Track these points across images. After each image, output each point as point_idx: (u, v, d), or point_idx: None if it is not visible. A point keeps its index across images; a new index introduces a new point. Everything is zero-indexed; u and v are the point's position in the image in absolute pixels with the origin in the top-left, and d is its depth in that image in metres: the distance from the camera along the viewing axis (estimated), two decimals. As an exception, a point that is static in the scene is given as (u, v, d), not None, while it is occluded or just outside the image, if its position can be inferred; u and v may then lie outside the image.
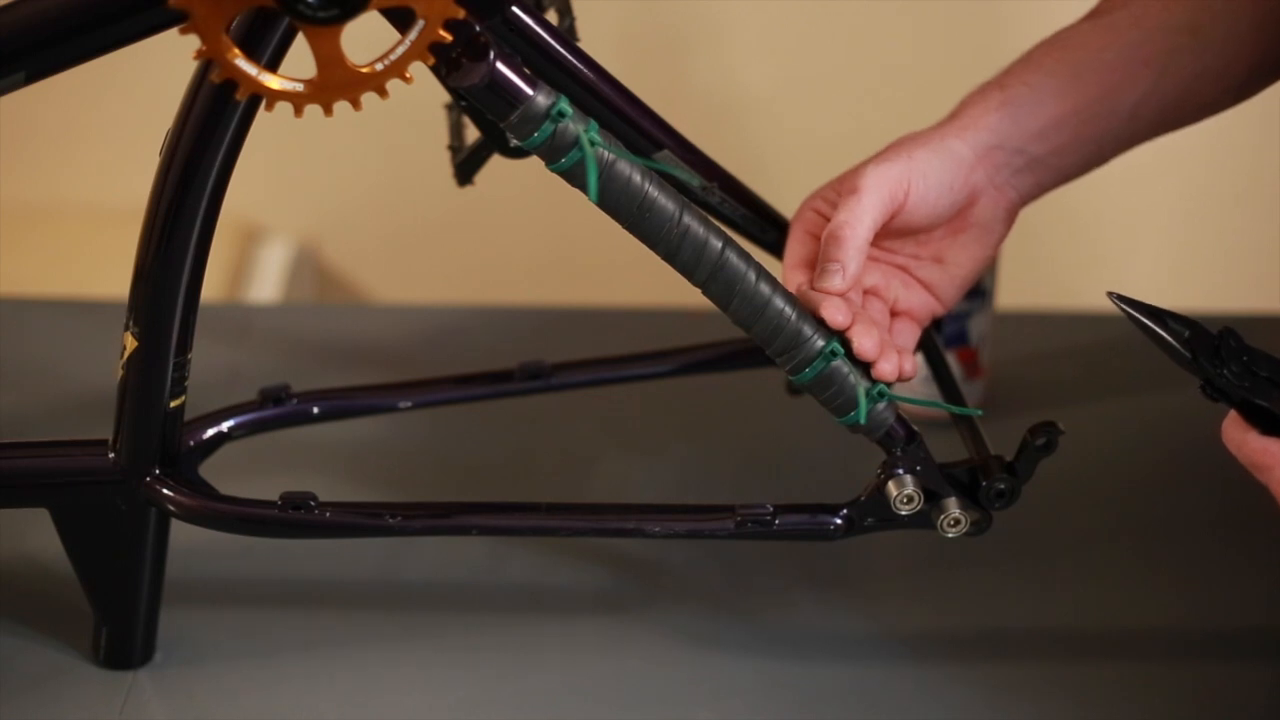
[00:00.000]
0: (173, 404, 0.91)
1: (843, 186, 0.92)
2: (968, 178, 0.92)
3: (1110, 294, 0.83)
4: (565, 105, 0.82)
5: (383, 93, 0.79)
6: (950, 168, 0.92)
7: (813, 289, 0.88)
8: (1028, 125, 0.92)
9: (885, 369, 0.87)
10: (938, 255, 0.95)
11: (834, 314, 0.86)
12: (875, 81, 1.95)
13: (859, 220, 0.89)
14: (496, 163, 1.00)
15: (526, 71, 0.82)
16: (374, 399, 1.04)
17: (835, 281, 0.88)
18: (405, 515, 0.93)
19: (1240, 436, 0.82)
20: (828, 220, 0.92)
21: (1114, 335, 1.27)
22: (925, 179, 0.91)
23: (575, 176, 0.83)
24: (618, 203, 0.84)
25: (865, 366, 0.88)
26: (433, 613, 1.02)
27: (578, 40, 0.93)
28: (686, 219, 0.84)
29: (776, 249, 1.01)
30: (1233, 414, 0.83)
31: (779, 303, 0.85)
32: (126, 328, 0.89)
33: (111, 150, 1.98)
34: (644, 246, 0.85)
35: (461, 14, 0.79)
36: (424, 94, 0.93)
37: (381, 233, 2.07)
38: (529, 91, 0.82)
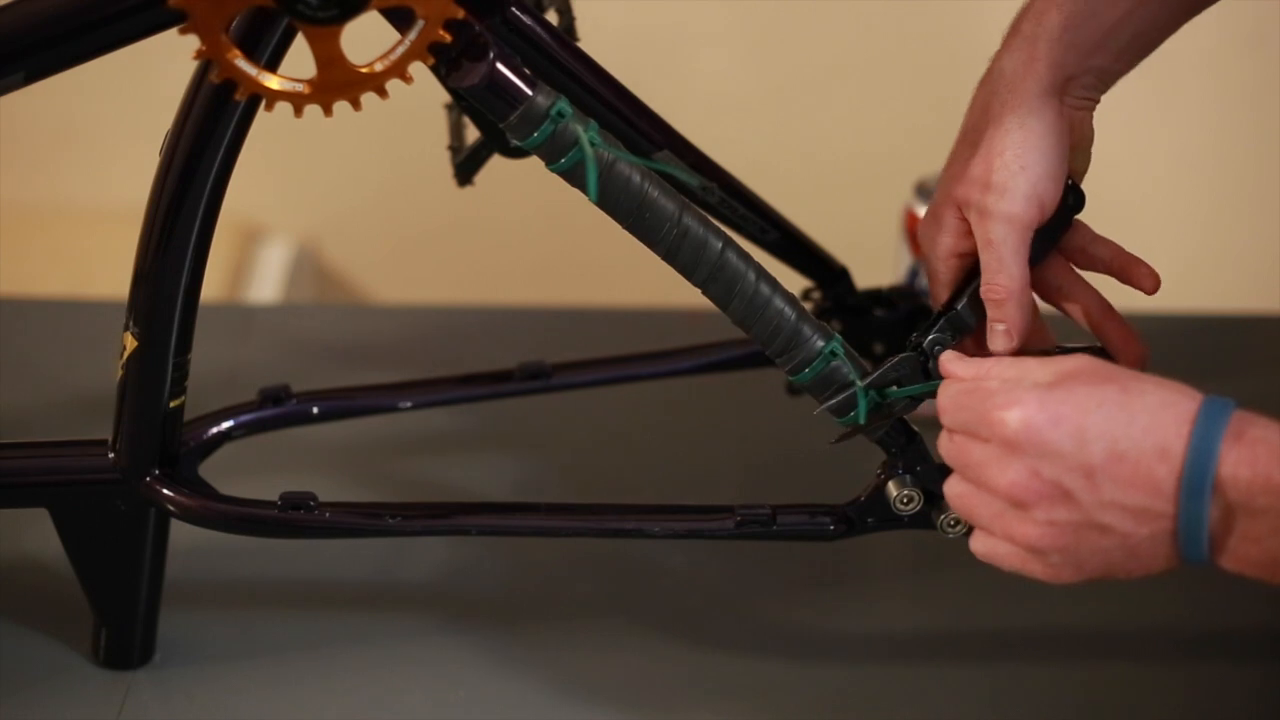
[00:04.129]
0: (172, 404, 0.91)
1: (974, 224, 0.88)
2: (1066, 135, 0.89)
3: None
4: (565, 105, 0.82)
5: (382, 93, 0.79)
6: (1057, 145, 0.88)
7: (993, 350, 0.88)
8: (1090, 41, 0.88)
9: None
10: None
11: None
12: (875, 81, 1.95)
13: (1010, 275, 0.87)
14: (496, 163, 1.00)
15: (526, 72, 0.82)
16: (374, 399, 1.04)
17: (1006, 344, 0.88)
18: (405, 515, 0.93)
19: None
20: (962, 253, 0.90)
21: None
22: (1048, 178, 0.88)
23: (575, 176, 0.83)
24: (618, 203, 0.84)
25: (865, 366, 0.88)
26: (433, 613, 1.02)
27: (578, 40, 0.93)
28: (686, 219, 0.84)
29: (776, 249, 1.01)
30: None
31: (778, 303, 0.85)
32: (126, 328, 0.89)
33: (111, 150, 1.98)
34: (644, 246, 0.85)
35: (461, 14, 0.79)
36: (424, 94, 0.93)
37: (381, 233, 2.07)
38: (529, 92, 0.82)
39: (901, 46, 1.94)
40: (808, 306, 0.90)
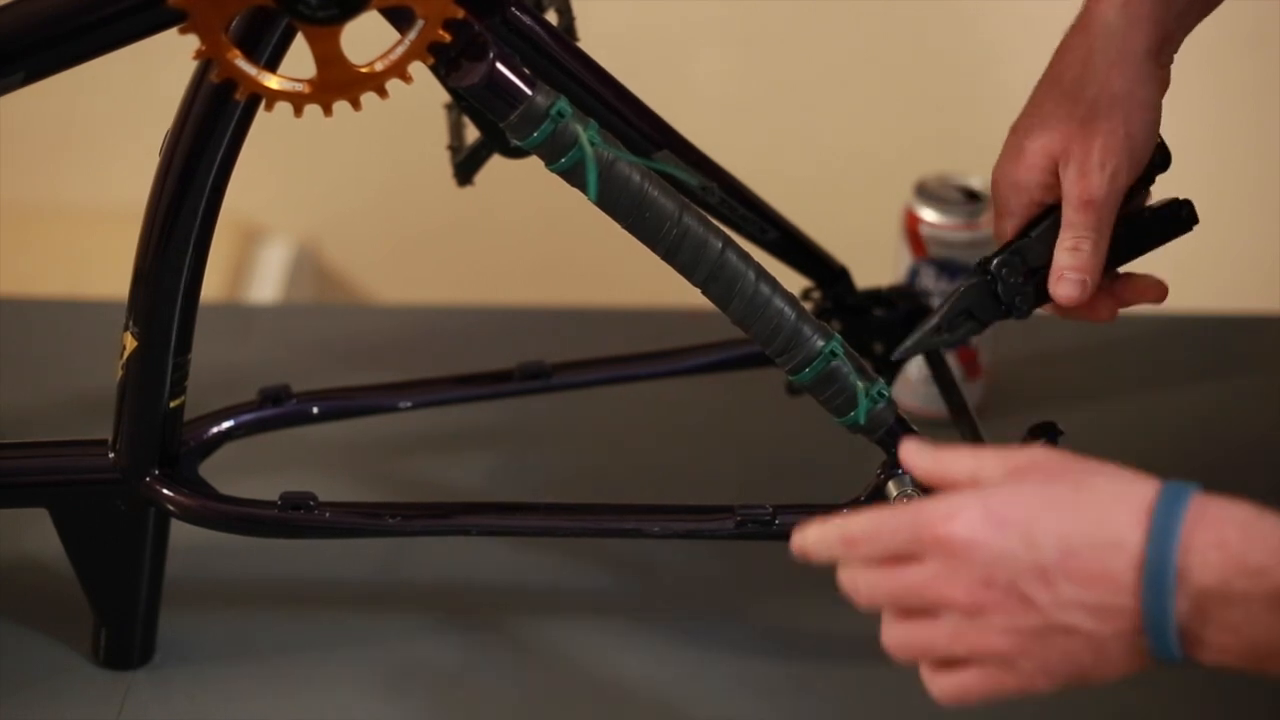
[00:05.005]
0: (172, 404, 0.91)
1: (1070, 179, 0.89)
2: (1161, 99, 0.90)
3: None
4: (565, 105, 0.82)
5: (382, 93, 0.79)
6: (1157, 110, 0.90)
7: (1054, 295, 0.89)
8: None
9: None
10: None
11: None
12: (875, 81, 1.95)
13: (1103, 235, 0.89)
14: (496, 163, 0.99)
15: (526, 71, 0.82)
16: (374, 399, 1.04)
17: (1080, 294, 0.89)
18: (405, 515, 0.93)
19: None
20: (1041, 201, 0.91)
21: (1114, 335, 1.27)
22: (1147, 144, 0.90)
23: (575, 176, 0.83)
24: (617, 203, 0.84)
25: (865, 366, 0.88)
26: (432, 613, 1.02)
27: (578, 40, 0.93)
28: (686, 219, 0.84)
29: (776, 249, 1.01)
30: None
31: (778, 303, 0.85)
32: (126, 328, 0.89)
33: (111, 150, 1.98)
34: (644, 246, 0.85)
35: (461, 14, 0.79)
36: (424, 94, 0.93)
37: (381, 233, 2.07)
38: (528, 91, 0.82)
39: (902, 47, 1.94)
40: (808, 306, 0.90)
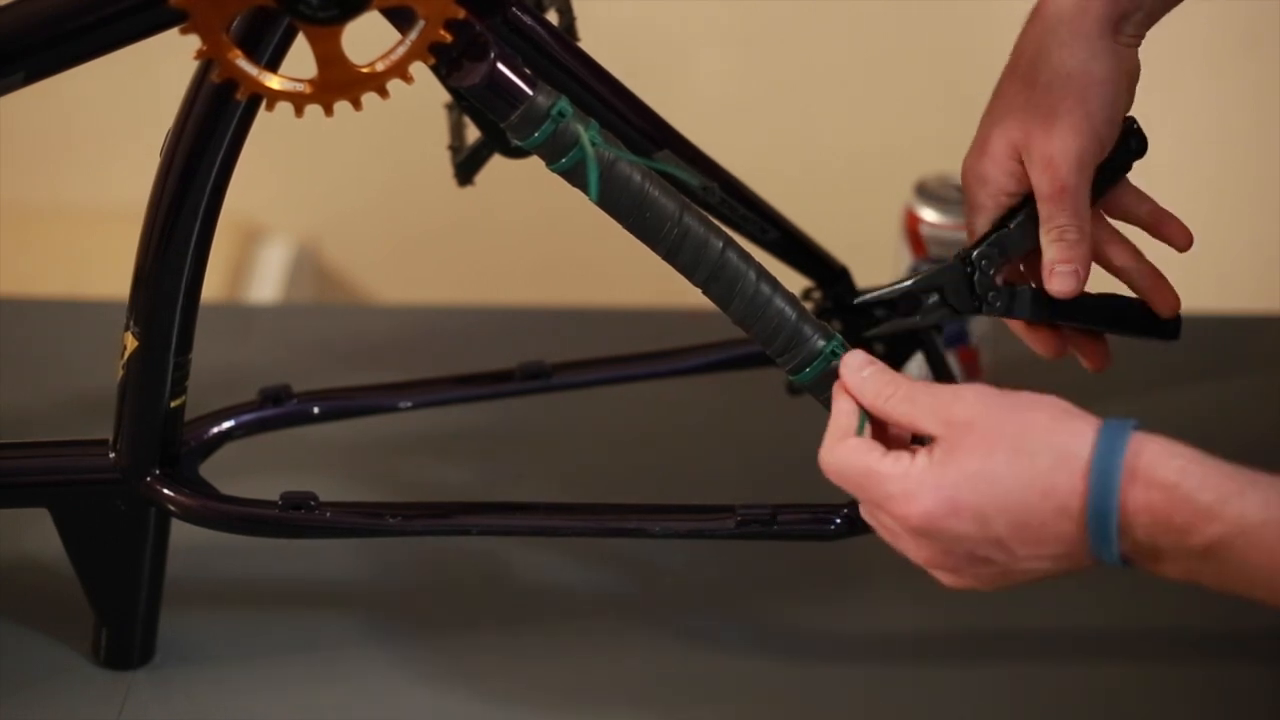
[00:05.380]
0: (173, 404, 0.91)
1: (1035, 168, 0.88)
2: (1123, 75, 0.89)
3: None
4: (565, 105, 0.82)
5: (383, 93, 0.79)
6: (1116, 86, 0.88)
7: (1052, 291, 0.89)
8: None
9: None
10: None
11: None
12: (875, 81, 1.95)
13: (1082, 218, 0.88)
14: (497, 163, 0.99)
15: (527, 71, 0.82)
16: (374, 399, 1.04)
17: (1075, 285, 0.88)
18: (405, 515, 0.93)
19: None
20: (1011, 193, 0.90)
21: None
22: (1107, 111, 0.88)
23: (576, 176, 0.83)
24: (618, 203, 0.84)
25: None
26: (433, 613, 1.02)
27: (578, 40, 0.93)
28: (687, 219, 0.84)
29: (776, 249, 1.01)
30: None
31: (779, 303, 0.85)
32: (126, 328, 0.89)
33: (111, 150, 1.98)
34: (644, 246, 0.85)
35: (462, 14, 0.79)
36: (424, 94, 0.93)
37: (382, 233, 2.07)
38: (529, 92, 0.82)
39: (901, 46, 1.94)
40: (808, 306, 0.90)
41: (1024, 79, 0.88)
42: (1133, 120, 0.90)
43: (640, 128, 0.92)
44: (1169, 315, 0.93)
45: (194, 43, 0.77)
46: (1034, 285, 0.91)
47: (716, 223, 0.86)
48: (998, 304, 0.91)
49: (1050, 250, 0.88)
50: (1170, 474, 0.73)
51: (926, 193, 1.18)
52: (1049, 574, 0.77)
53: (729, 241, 0.85)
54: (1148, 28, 0.89)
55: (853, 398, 0.82)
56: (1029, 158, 0.88)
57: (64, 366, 1.25)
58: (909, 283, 0.92)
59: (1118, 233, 0.92)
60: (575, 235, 1.97)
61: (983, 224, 0.91)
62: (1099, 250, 0.91)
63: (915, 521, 0.77)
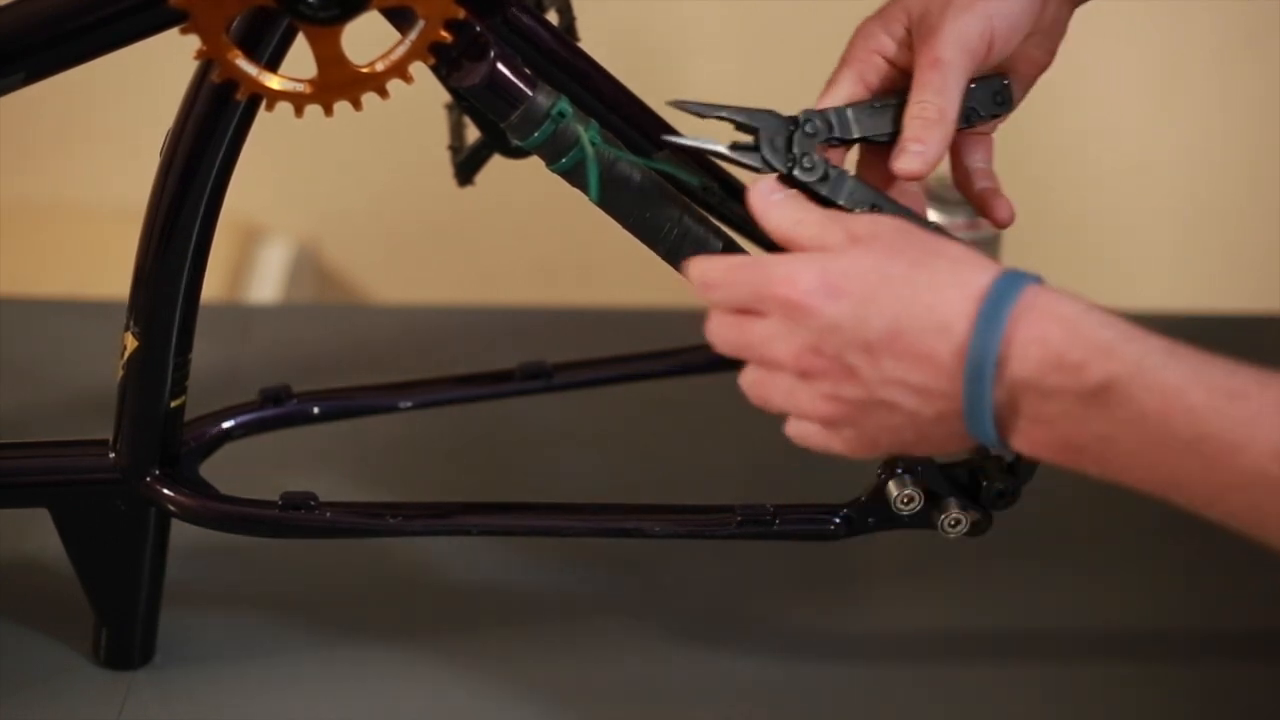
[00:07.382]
0: (173, 404, 0.91)
1: (919, 39, 0.85)
2: (1049, 14, 0.86)
3: (670, 102, 0.83)
4: (566, 105, 0.82)
5: (383, 93, 0.79)
6: (1032, 14, 0.85)
7: (895, 169, 0.84)
8: None
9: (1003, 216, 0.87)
10: (1000, 69, 0.88)
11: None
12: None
13: (949, 99, 0.83)
14: (497, 163, 0.99)
15: (527, 71, 0.82)
16: (374, 399, 1.04)
17: (920, 166, 0.83)
18: (405, 515, 0.93)
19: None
20: (889, 59, 0.86)
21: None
22: (1006, 19, 0.84)
23: (576, 176, 0.83)
24: (618, 203, 0.84)
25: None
26: (433, 613, 1.02)
27: (578, 40, 0.93)
28: (687, 219, 0.84)
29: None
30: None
31: (779, 303, 0.85)
32: (126, 328, 0.89)
33: (111, 150, 1.98)
34: (644, 246, 0.85)
35: (462, 14, 0.79)
36: (424, 94, 0.93)
37: (382, 233, 2.07)
38: (529, 92, 0.82)
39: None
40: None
41: None
42: (1005, 77, 0.87)
43: (641, 128, 0.92)
44: (1003, 226, 0.88)
45: (194, 43, 0.77)
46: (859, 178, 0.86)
47: (716, 223, 0.86)
48: (811, 171, 0.84)
49: (909, 127, 0.84)
50: (1071, 310, 0.70)
51: (927, 193, 1.18)
52: (908, 416, 0.72)
53: (729, 242, 0.85)
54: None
55: (761, 224, 0.78)
56: (918, 30, 0.85)
57: (64, 366, 1.25)
58: (725, 111, 0.87)
59: (977, 137, 0.89)
60: (575, 235, 1.97)
61: (843, 84, 0.88)
62: (955, 146, 0.88)
63: (794, 297, 0.72)
